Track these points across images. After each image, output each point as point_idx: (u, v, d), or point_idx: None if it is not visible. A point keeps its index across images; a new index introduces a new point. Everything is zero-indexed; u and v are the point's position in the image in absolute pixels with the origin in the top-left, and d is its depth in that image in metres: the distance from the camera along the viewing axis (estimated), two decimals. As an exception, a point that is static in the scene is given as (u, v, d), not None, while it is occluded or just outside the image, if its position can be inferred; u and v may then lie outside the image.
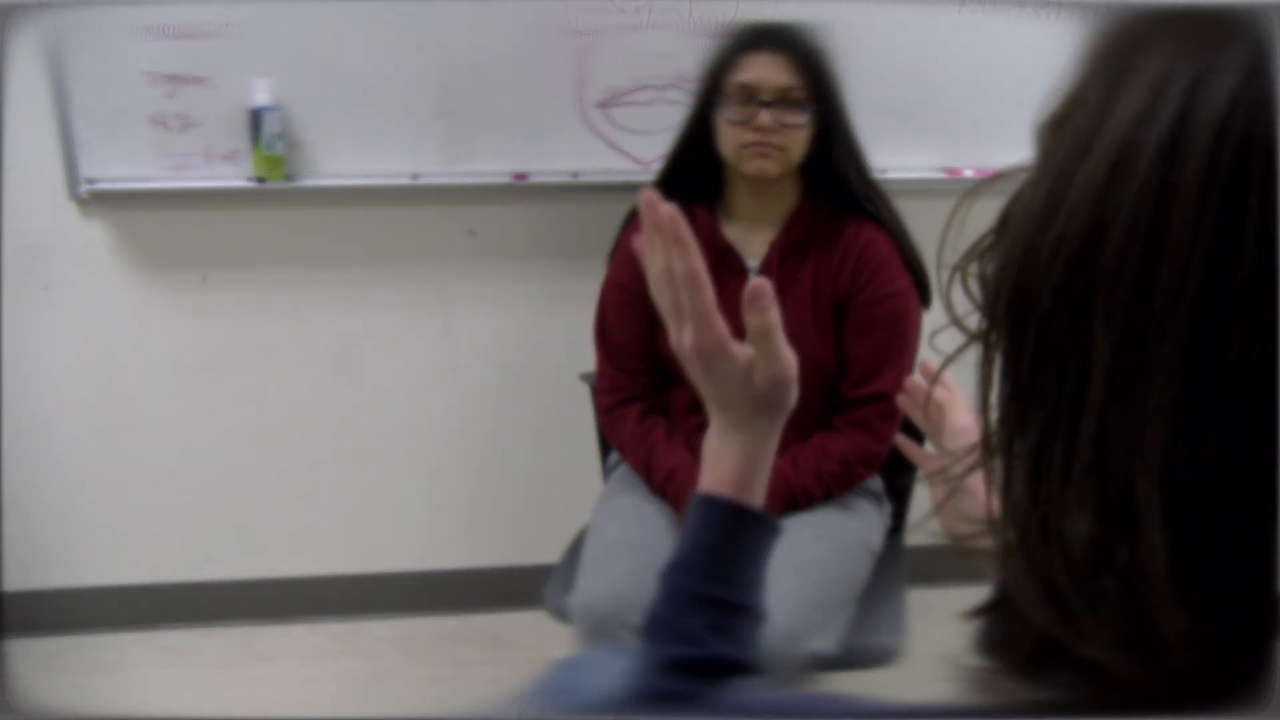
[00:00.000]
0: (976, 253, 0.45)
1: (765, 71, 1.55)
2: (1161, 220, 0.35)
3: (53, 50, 1.90)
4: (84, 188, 1.99)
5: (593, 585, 1.53)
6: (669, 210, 0.65)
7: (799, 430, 1.67)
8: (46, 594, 2.26)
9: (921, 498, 1.82)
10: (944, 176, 2.13)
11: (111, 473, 2.23)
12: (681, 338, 0.68)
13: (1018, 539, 0.41)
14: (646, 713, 0.67)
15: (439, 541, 2.35)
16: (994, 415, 0.43)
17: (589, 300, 1.76)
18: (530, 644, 2.18)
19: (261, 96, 1.93)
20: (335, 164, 2.02)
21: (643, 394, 1.73)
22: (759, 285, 0.66)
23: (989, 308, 0.43)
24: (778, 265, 1.64)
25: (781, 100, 1.55)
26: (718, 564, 0.70)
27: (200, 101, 1.95)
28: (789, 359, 0.70)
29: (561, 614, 1.60)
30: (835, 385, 1.66)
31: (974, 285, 0.45)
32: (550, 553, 1.76)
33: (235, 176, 1.99)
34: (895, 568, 1.71)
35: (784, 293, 1.64)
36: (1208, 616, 0.36)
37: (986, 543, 0.44)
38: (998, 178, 0.47)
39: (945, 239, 0.49)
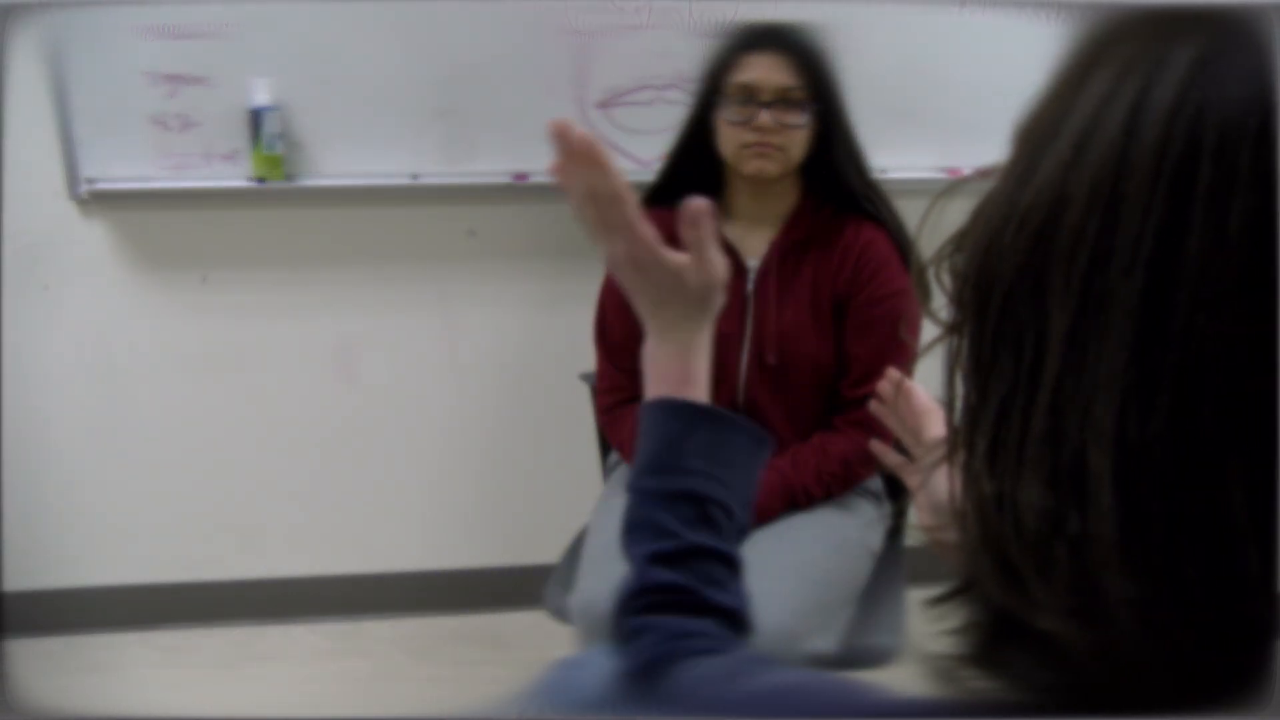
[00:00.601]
0: (950, 248, 0.46)
1: (765, 72, 1.56)
2: (1118, 193, 0.37)
3: (53, 50, 1.90)
4: (84, 188, 1.99)
5: (593, 585, 1.53)
6: (582, 134, 0.71)
7: (799, 430, 1.67)
8: (46, 594, 2.26)
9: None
10: (944, 176, 2.13)
11: (112, 472, 2.23)
12: (613, 249, 0.74)
13: (974, 514, 0.42)
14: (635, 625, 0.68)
15: (439, 541, 2.35)
16: (959, 402, 0.44)
17: (589, 300, 1.76)
18: (530, 644, 2.18)
19: (261, 96, 1.93)
20: (335, 164, 2.02)
21: (642, 394, 1.73)
22: (697, 204, 0.72)
23: (957, 295, 0.44)
24: (777, 265, 1.64)
25: (781, 101, 1.55)
26: (678, 459, 0.71)
27: (200, 101, 1.95)
28: (720, 264, 0.74)
29: (561, 614, 1.60)
30: (835, 385, 1.66)
31: (947, 278, 0.46)
32: (550, 553, 1.76)
33: (235, 176, 1.99)
34: (895, 568, 1.71)
35: (784, 292, 1.64)
36: (1155, 583, 0.37)
37: (953, 535, 0.45)
38: (978, 176, 0.48)
39: (920, 236, 0.50)
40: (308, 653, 2.24)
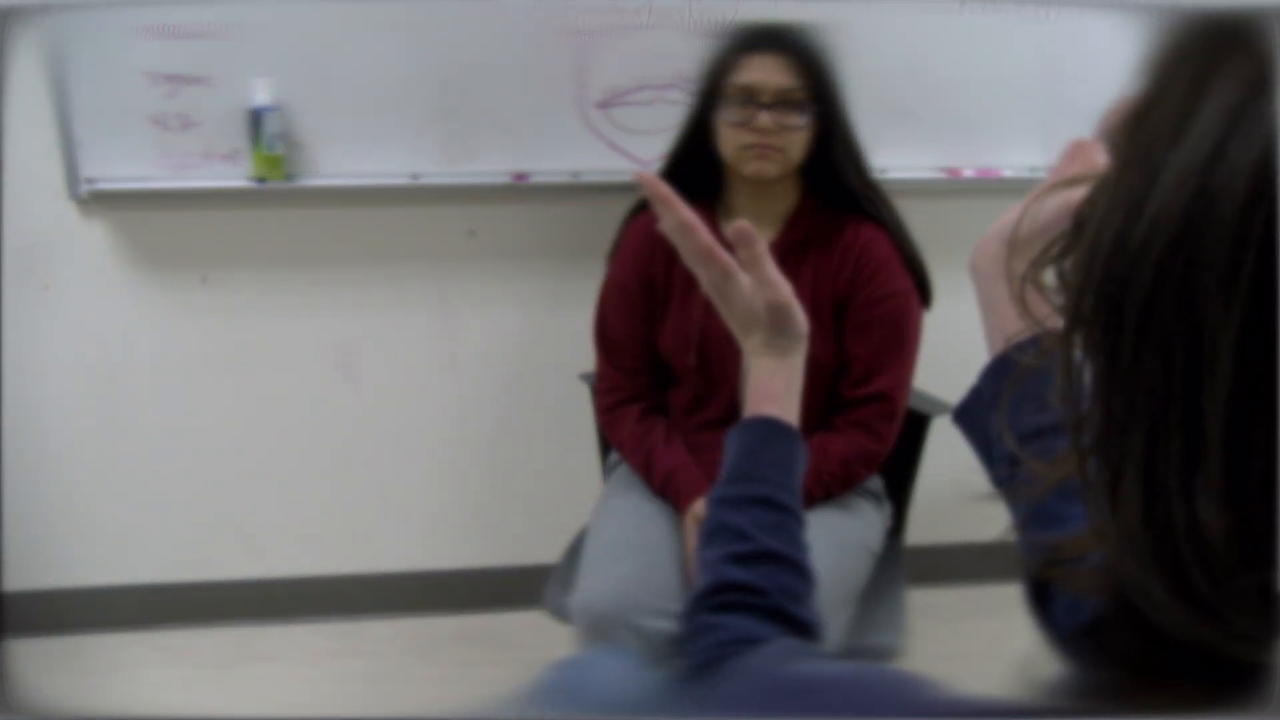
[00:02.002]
0: (1050, 257, 0.44)
1: (765, 73, 1.56)
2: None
3: (53, 51, 1.90)
4: (84, 188, 1.99)
5: (593, 585, 1.53)
6: (649, 176, 0.77)
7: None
8: (46, 594, 2.26)
9: (921, 498, 1.82)
10: (944, 176, 2.13)
11: (111, 473, 2.23)
12: (702, 277, 0.79)
13: (1135, 540, 0.39)
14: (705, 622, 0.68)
15: (439, 541, 2.35)
16: (1082, 415, 0.42)
17: (589, 300, 1.76)
18: (530, 644, 2.17)
19: (261, 96, 1.93)
20: (335, 164, 2.02)
21: (642, 394, 1.73)
22: (741, 226, 0.77)
23: (1073, 306, 0.42)
24: (777, 265, 1.64)
25: (781, 102, 1.55)
26: (754, 467, 0.75)
27: (200, 101, 1.95)
28: (778, 283, 0.79)
29: (561, 614, 1.60)
30: (835, 385, 1.66)
31: (1050, 290, 0.43)
32: (550, 553, 1.76)
33: (235, 176, 2.00)
34: (895, 568, 1.71)
35: (784, 293, 1.64)
36: None
37: (1079, 561, 0.42)
38: (1063, 184, 0.46)
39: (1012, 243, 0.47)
40: (308, 653, 2.24)
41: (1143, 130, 0.40)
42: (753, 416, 0.77)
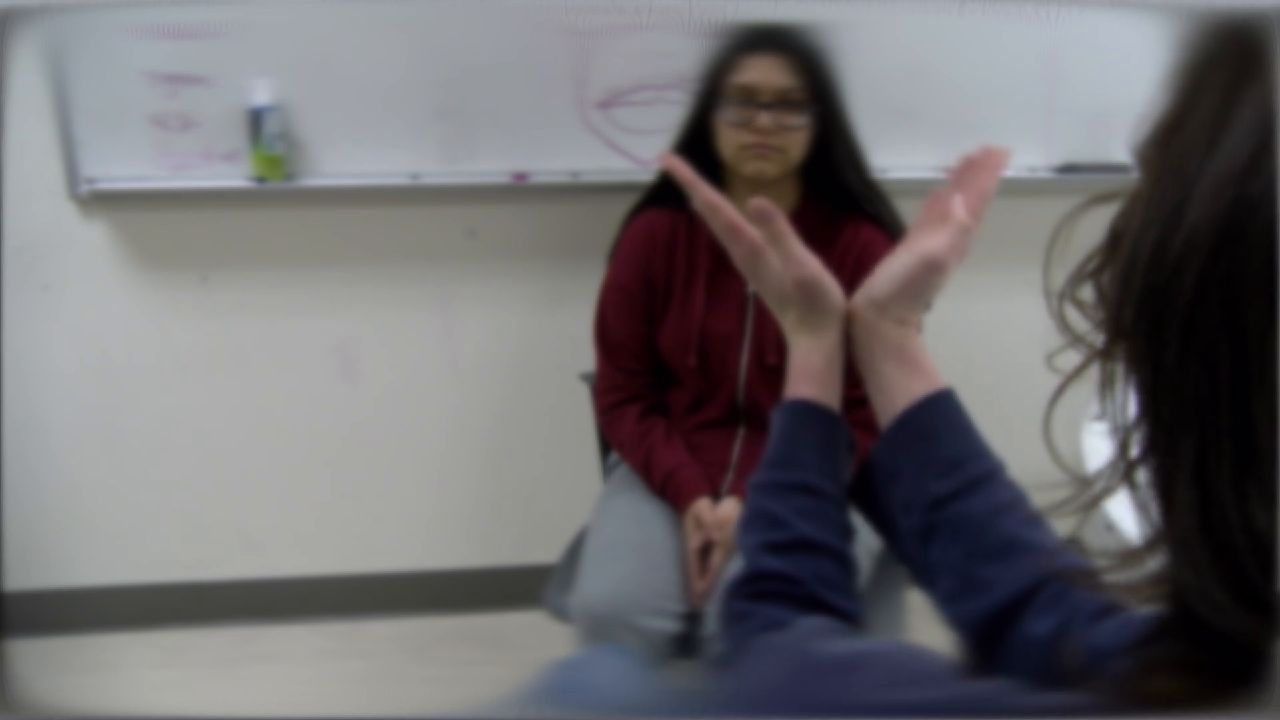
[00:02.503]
0: (1086, 272, 0.44)
1: (764, 73, 1.55)
2: None
3: (53, 51, 1.90)
4: (84, 188, 1.99)
5: (593, 585, 1.53)
6: (673, 159, 0.80)
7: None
8: (46, 594, 2.26)
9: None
10: (944, 177, 2.13)
11: (111, 473, 2.23)
12: (734, 255, 0.79)
13: (1193, 546, 0.39)
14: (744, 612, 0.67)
15: (439, 541, 2.35)
16: (1129, 427, 0.42)
17: (589, 300, 1.76)
18: (530, 644, 2.17)
19: (261, 96, 1.93)
20: (335, 164, 2.02)
21: (642, 394, 1.73)
22: (760, 203, 0.77)
23: (1112, 319, 0.42)
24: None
25: (781, 102, 1.55)
26: (792, 452, 0.74)
27: (200, 101, 1.95)
28: (805, 259, 0.79)
29: (561, 614, 1.60)
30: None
31: (1089, 305, 0.44)
32: (550, 553, 1.76)
33: (235, 176, 1.99)
34: (895, 568, 1.71)
35: (784, 293, 1.64)
36: None
37: (1130, 571, 0.42)
38: (1099, 199, 0.46)
39: (1050, 259, 0.48)
40: (308, 653, 2.24)
41: (1175, 142, 0.40)
42: (792, 399, 0.76)
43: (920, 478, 0.68)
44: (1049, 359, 0.49)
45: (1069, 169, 2.10)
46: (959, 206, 0.77)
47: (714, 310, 1.65)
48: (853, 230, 1.64)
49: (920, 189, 2.24)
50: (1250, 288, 0.36)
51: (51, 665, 2.18)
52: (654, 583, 1.51)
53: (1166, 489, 0.40)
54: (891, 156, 1.98)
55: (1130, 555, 0.42)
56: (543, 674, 0.78)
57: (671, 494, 1.63)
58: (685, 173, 0.79)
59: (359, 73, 1.97)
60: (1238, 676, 0.37)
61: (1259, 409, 0.36)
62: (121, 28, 1.90)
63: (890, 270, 0.77)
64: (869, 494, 0.73)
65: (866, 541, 1.65)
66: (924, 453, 0.69)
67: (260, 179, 1.97)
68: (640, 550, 1.56)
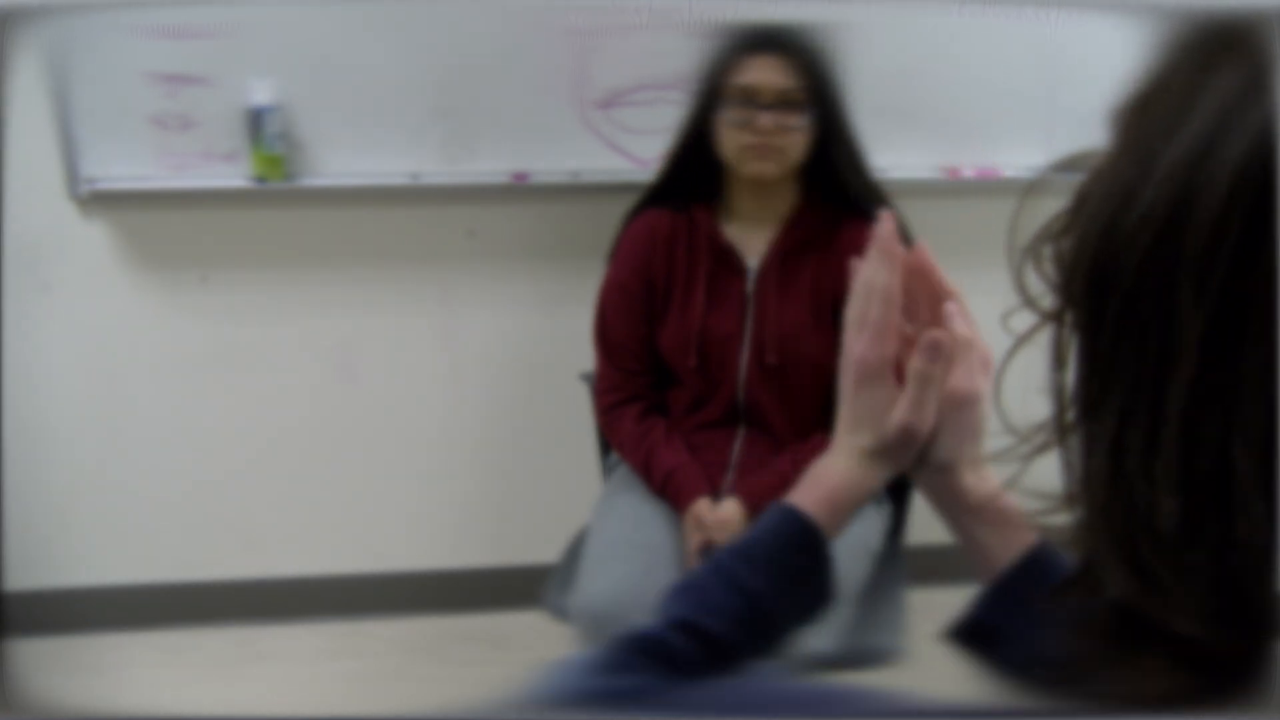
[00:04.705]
0: (1050, 234, 0.44)
1: (765, 74, 1.56)
2: (1267, 188, 0.35)
3: (53, 51, 1.90)
4: (84, 188, 1.99)
5: (593, 585, 1.53)
6: (890, 229, 0.72)
7: (799, 430, 1.67)
8: (46, 594, 2.26)
9: (922, 498, 1.82)
10: (944, 177, 2.13)
11: (111, 472, 2.23)
12: (853, 347, 0.72)
13: (1098, 514, 0.41)
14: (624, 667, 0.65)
15: (439, 541, 2.35)
16: (1067, 393, 0.43)
17: (589, 300, 1.76)
18: (530, 644, 2.18)
19: (261, 96, 1.93)
20: (335, 164, 2.02)
21: (642, 394, 1.73)
22: (935, 339, 0.69)
23: (1064, 286, 0.43)
24: (778, 266, 1.64)
25: (781, 102, 1.55)
26: (773, 569, 0.69)
27: (200, 101, 1.95)
28: (928, 417, 0.71)
29: (560, 614, 1.60)
30: (835, 385, 1.66)
31: (1047, 266, 0.44)
32: (550, 553, 1.76)
33: (235, 176, 2.00)
34: (895, 568, 1.71)
35: (784, 293, 1.64)
36: None
37: (1053, 518, 0.44)
38: (1069, 164, 0.46)
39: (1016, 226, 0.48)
40: (308, 653, 2.24)
41: (1142, 120, 0.41)
42: (808, 520, 0.71)
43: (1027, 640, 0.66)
44: (1004, 319, 0.50)
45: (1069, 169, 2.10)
46: (960, 322, 0.74)
47: (714, 310, 1.65)
48: (853, 230, 1.64)
49: (920, 189, 2.24)
50: (1182, 277, 0.37)
51: (51, 665, 2.18)
52: (654, 583, 1.51)
53: (1086, 456, 0.42)
54: (891, 156, 1.98)
55: (1060, 503, 0.44)
56: (540, 674, 0.78)
57: (671, 494, 1.63)
58: (890, 242, 0.72)
59: (359, 73, 1.97)
60: (1227, 675, 0.38)
61: (1170, 397, 0.37)
62: (121, 28, 1.90)
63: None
64: (977, 644, 0.71)
65: (867, 541, 1.65)
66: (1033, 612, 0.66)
67: (260, 179, 1.97)
68: (640, 550, 1.56)
